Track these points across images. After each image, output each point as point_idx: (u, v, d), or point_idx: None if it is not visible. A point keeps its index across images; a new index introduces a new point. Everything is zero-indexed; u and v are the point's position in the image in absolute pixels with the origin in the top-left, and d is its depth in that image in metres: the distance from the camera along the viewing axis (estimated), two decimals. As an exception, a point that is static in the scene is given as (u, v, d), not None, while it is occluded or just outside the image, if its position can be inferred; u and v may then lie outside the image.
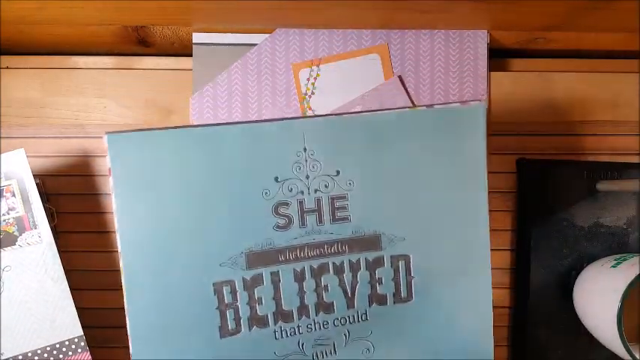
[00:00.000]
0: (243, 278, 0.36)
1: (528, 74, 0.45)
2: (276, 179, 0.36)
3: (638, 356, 0.36)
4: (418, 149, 0.38)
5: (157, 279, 0.35)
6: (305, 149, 0.36)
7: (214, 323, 0.36)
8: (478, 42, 0.44)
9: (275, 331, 0.37)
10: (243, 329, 0.36)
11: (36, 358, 0.39)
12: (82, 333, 0.40)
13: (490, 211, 0.46)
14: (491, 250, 0.46)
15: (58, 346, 0.39)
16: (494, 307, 0.45)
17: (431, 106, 0.38)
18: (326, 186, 0.37)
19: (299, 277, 0.37)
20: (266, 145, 0.36)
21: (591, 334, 0.41)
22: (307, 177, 0.37)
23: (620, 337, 0.36)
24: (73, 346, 0.40)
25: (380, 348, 0.39)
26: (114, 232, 0.44)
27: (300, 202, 0.37)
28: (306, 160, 0.37)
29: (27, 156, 0.43)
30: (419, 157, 0.38)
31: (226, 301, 0.36)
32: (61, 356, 0.39)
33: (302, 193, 0.37)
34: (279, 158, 0.36)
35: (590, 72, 0.46)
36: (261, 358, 0.37)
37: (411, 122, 0.37)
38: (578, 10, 0.39)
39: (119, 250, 0.34)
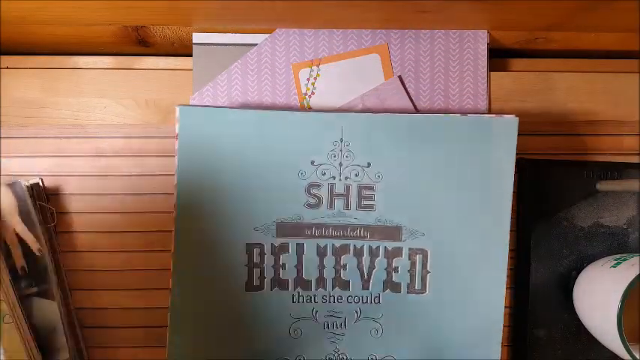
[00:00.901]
0: (272, 244, 0.41)
1: (528, 74, 0.45)
2: (312, 162, 0.41)
3: (638, 356, 0.36)
4: (448, 153, 0.41)
5: (202, 233, 0.40)
6: (342, 140, 0.40)
7: (242, 277, 0.41)
8: (478, 42, 0.44)
9: (293, 295, 0.42)
10: (265, 287, 0.41)
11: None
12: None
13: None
14: (492, 250, 0.46)
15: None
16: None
17: (465, 114, 0.41)
18: (356, 175, 0.41)
19: (321, 252, 0.41)
20: (308, 132, 0.40)
21: (591, 334, 0.41)
22: (340, 165, 0.41)
23: (620, 337, 0.36)
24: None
25: (389, 332, 0.42)
26: (114, 232, 0.44)
27: (331, 186, 0.41)
28: (341, 150, 0.41)
29: (27, 156, 0.43)
30: (448, 160, 0.41)
31: (255, 261, 0.41)
32: None
33: (334, 178, 0.41)
34: (318, 145, 0.41)
35: (590, 72, 0.46)
36: (277, 315, 0.41)
37: (445, 127, 0.41)
38: (578, 10, 0.39)
39: (175, 203, 0.40)
